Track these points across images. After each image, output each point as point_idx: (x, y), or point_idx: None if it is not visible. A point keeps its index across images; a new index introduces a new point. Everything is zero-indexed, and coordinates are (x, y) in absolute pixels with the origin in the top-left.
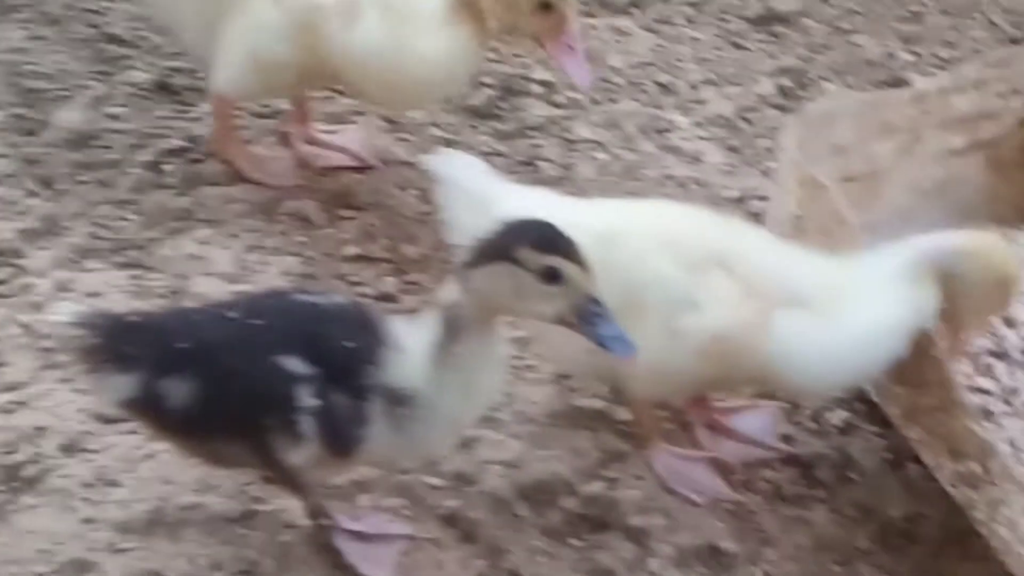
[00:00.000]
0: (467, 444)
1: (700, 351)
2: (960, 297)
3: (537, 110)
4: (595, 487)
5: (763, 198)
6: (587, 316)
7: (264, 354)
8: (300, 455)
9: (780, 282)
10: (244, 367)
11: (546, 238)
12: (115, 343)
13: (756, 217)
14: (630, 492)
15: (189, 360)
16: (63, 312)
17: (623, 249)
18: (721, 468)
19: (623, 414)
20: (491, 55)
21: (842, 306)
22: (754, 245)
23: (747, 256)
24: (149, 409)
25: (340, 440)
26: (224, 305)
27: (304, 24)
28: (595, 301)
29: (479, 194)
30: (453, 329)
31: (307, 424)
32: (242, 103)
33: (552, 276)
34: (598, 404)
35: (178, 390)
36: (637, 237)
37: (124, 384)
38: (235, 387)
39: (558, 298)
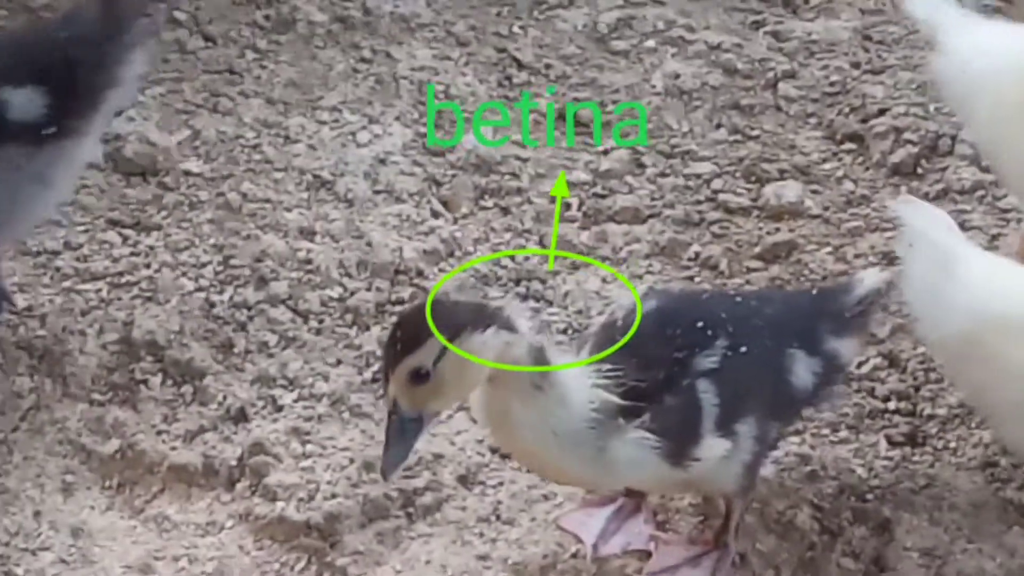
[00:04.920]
0: (883, 525)
1: None
2: None
3: (964, 173)
4: None
5: None
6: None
7: None
8: None
9: None
10: None
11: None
12: None
13: None
14: None
15: None
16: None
17: None
18: None
19: None
20: (917, 109)
21: None
22: None
23: None
24: None
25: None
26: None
27: None
28: (391, 413)
29: (942, 251)
30: None
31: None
32: None
33: None
34: None
35: None
36: None
37: None
38: None
39: None
